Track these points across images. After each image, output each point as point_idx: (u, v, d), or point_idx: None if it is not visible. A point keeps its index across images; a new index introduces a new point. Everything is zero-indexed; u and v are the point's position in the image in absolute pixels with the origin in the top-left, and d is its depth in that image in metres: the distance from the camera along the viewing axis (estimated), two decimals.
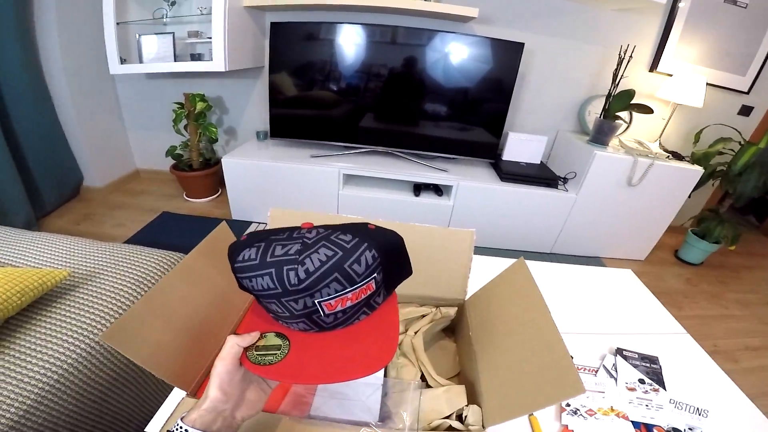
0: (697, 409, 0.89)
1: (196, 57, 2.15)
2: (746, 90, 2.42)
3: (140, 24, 2.06)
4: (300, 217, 0.83)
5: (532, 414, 0.81)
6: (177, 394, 0.66)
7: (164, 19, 2.09)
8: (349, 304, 0.46)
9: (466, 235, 0.81)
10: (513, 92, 2.09)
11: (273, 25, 1.97)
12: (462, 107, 2.14)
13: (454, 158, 2.29)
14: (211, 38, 1.94)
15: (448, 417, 0.64)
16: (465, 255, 0.82)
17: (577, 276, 1.34)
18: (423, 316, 0.84)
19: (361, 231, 0.48)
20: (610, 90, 2.09)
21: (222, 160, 2.08)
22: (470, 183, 2.09)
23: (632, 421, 0.83)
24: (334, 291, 0.44)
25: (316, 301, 0.44)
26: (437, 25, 2.11)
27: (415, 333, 0.80)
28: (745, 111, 2.51)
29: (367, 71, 2.06)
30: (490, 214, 2.16)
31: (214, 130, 2.30)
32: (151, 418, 0.65)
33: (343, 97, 2.12)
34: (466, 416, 0.63)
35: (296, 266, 0.43)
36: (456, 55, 2.01)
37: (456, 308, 0.84)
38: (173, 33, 2.08)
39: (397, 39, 2.00)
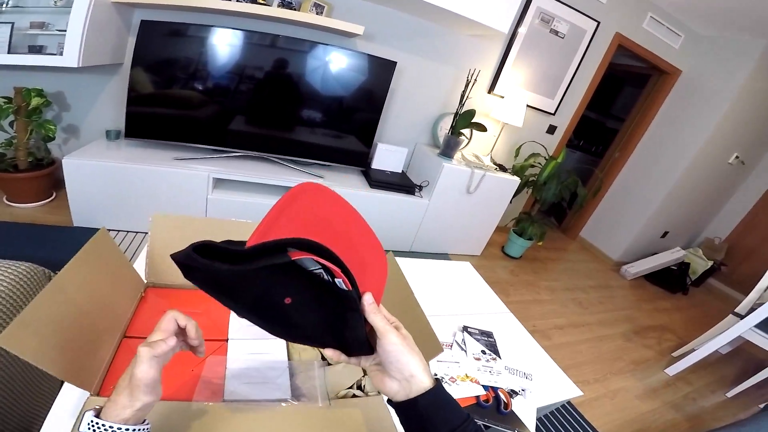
0: (525, 373, 1.16)
1: (35, 49, 1.84)
2: (553, 111, 3.10)
3: None
4: (184, 222, 0.84)
5: None
6: (67, 397, 0.65)
7: (2, 8, 1.75)
8: None
9: None
10: (384, 106, 2.32)
11: (143, 23, 1.83)
12: (338, 117, 2.29)
13: (329, 165, 2.43)
14: (61, 31, 1.71)
15: (350, 387, 0.76)
16: None
17: (430, 268, 1.60)
18: None
19: None
20: (457, 109, 2.46)
21: (63, 160, 1.81)
22: (345, 189, 2.25)
23: (482, 385, 1.05)
24: None
25: None
26: (321, 37, 2.20)
27: None
28: (551, 129, 3.22)
29: (244, 76, 2.05)
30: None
31: (51, 128, 1.98)
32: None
33: (215, 99, 2.07)
34: (364, 385, 0.77)
35: None
36: (335, 67, 2.15)
37: None
38: (12, 23, 1.76)
39: (278, 46, 2.04)
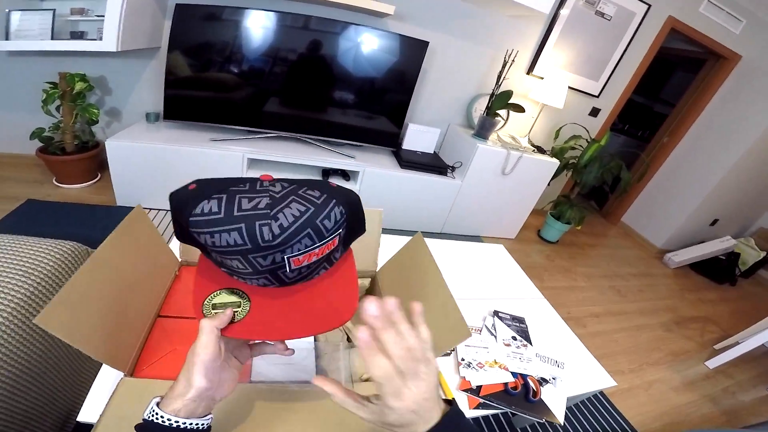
0: (556, 361, 1.11)
1: (77, 35, 1.91)
2: (597, 94, 2.95)
3: None
4: None
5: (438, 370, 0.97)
6: (105, 378, 0.66)
7: None
8: (314, 259, 0.45)
9: (375, 215, 0.92)
10: (416, 86, 2.26)
11: (178, 6, 1.84)
12: (369, 97, 2.26)
13: (360, 145, 2.40)
14: (99, 16, 1.76)
15: None
16: (375, 231, 0.92)
17: (461, 250, 1.56)
18: None
19: (326, 187, 0.47)
20: (493, 90, 2.37)
21: (106, 142, 1.88)
22: (375, 169, 2.24)
23: (511, 372, 1.02)
24: (305, 246, 0.43)
25: (285, 257, 0.42)
26: (352, 17, 2.16)
27: None
28: (594, 112, 3.07)
29: (277, 58, 2.05)
30: (392, 198, 2.34)
31: (95, 111, 2.06)
32: (67, 413, 0.63)
33: (249, 82, 2.08)
34: None
35: (269, 221, 0.41)
36: (367, 48, 2.11)
37: (369, 279, 0.96)
38: (54, 10, 1.82)
39: (311, 28, 2.01)
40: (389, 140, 2.40)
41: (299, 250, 0.43)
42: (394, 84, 2.25)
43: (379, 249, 0.94)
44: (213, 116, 2.11)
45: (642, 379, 2.02)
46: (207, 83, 2.05)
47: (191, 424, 0.41)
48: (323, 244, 0.44)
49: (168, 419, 0.40)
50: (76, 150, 2.14)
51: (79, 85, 1.98)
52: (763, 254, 3.66)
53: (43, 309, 0.47)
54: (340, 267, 0.52)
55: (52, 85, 1.96)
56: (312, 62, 2.09)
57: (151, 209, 2.12)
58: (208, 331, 0.42)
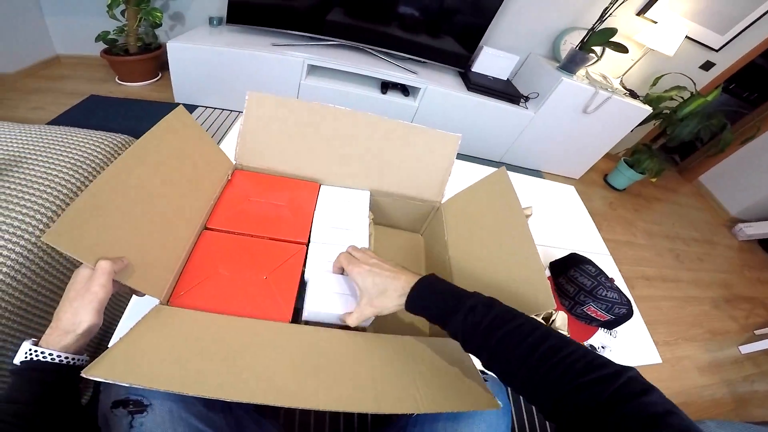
0: (611, 330, 1.02)
1: None
2: (717, 48, 2.51)
3: None
4: (280, 102, 0.73)
5: None
6: (138, 305, 0.60)
7: None
8: None
9: (451, 140, 0.77)
10: (498, 11, 2.01)
11: None
12: (443, 16, 2.04)
13: (424, 62, 2.22)
14: None
15: None
16: (447, 159, 0.79)
17: (524, 184, 1.38)
18: None
19: None
20: (594, 24, 2.06)
21: (167, 44, 1.85)
22: (438, 88, 2.09)
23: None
24: None
25: None
26: None
27: None
28: (707, 66, 2.63)
29: None
30: (452, 120, 2.21)
31: (158, 15, 2.01)
32: (98, 342, 0.65)
33: None
34: None
35: None
36: None
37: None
38: None
39: None
40: (458, 61, 2.18)
41: None
42: (472, 5, 2.00)
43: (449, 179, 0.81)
44: (275, 21, 1.98)
45: (673, 354, 1.92)
46: None
47: (80, 360, 0.41)
48: None
49: (58, 356, 0.39)
50: (139, 51, 2.17)
51: None
52: None
53: (54, 224, 0.39)
54: None
55: None
56: None
57: (207, 107, 2.15)
58: (108, 272, 0.42)
